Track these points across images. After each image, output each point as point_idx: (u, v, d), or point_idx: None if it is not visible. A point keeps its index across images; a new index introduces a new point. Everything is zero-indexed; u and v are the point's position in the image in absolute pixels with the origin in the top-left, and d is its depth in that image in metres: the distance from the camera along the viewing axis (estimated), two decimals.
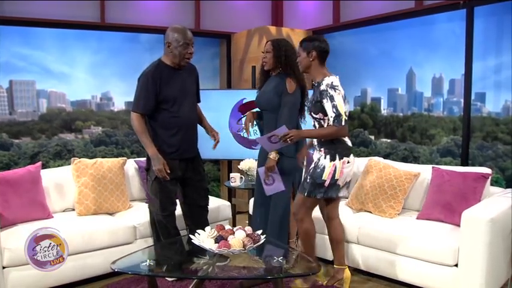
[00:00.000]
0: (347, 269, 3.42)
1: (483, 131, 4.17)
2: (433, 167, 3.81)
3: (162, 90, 3.40)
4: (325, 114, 3.12)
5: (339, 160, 3.14)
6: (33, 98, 4.81)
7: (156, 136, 3.47)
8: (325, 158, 3.18)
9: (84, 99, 5.10)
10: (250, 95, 4.88)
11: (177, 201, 3.66)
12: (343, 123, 3.05)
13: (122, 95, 5.28)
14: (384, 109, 4.98)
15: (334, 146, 3.16)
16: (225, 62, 5.88)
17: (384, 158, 4.34)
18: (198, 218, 3.66)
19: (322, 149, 3.21)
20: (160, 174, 3.39)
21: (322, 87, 3.12)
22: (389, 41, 4.87)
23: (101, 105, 5.21)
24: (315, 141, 3.32)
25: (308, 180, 3.24)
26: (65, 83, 4.94)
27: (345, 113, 3.07)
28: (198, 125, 3.73)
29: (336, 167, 3.14)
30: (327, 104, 3.06)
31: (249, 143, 5.03)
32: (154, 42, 5.38)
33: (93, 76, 5.09)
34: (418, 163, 4.37)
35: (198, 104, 3.76)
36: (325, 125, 3.17)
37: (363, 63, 4.98)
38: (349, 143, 3.24)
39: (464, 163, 4.23)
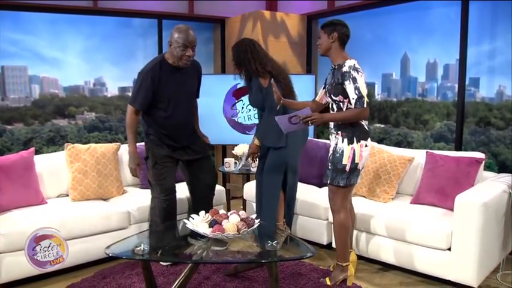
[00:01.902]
0: (353, 252, 3.41)
1: (476, 116, 4.17)
2: (427, 152, 3.82)
3: (159, 90, 3.43)
4: (345, 97, 3.05)
5: (357, 143, 3.07)
6: (26, 83, 4.77)
7: (151, 128, 3.57)
8: (342, 141, 3.11)
9: (77, 85, 5.06)
10: None
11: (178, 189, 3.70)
12: (365, 105, 2.98)
13: (115, 80, 5.24)
14: (378, 94, 4.97)
15: (351, 129, 3.09)
16: (219, 46, 5.84)
17: (378, 143, 4.35)
18: (202, 198, 3.70)
19: (339, 133, 3.13)
20: (132, 173, 3.62)
21: (345, 68, 3.04)
22: (383, 25, 4.84)
23: (94, 90, 5.17)
24: (331, 124, 3.23)
25: (330, 167, 3.19)
26: (57, 68, 4.90)
27: (366, 95, 3.02)
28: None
29: (354, 150, 3.07)
30: (349, 86, 3.00)
31: (243, 128, 5.02)
32: (147, 27, 5.34)
33: (86, 61, 5.05)
34: (412, 148, 4.38)
35: (197, 99, 3.84)
36: (344, 108, 3.08)
37: (357, 48, 4.89)
38: (367, 127, 3.16)
39: (458, 148, 4.24)
